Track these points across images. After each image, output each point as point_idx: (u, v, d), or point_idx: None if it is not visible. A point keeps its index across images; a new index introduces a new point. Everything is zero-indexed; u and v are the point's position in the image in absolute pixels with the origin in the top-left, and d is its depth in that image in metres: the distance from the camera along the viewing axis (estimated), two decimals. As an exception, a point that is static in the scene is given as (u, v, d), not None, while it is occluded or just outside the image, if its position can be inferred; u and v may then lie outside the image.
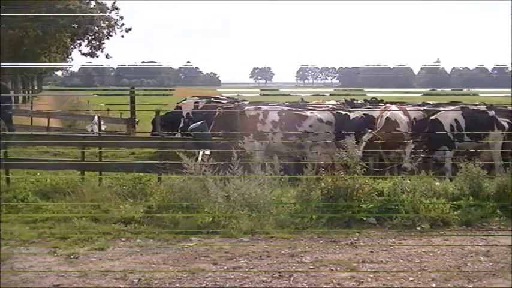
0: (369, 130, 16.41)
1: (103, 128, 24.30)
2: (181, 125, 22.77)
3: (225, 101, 23.25)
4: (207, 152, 14.04)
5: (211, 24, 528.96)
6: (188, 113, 22.87)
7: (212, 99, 24.41)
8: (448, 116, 16.93)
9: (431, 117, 17.16)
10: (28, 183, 13.94)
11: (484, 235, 10.45)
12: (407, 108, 18.59)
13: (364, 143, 15.64)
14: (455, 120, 16.76)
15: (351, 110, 18.86)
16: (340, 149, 12.66)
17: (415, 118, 17.78)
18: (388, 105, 19.66)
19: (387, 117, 17.14)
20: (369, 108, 20.30)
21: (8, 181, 14.16)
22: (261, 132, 17.20)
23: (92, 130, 25.32)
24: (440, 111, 17.74)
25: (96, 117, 26.77)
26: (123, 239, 10.03)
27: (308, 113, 17.58)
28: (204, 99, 23.96)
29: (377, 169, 15.27)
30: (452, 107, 17.87)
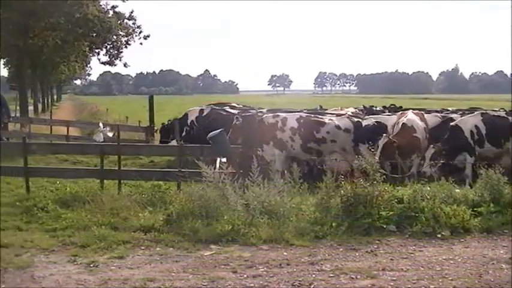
0: (384, 134, 16.38)
1: (110, 134, 24.38)
2: (183, 134, 22.84)
3: (233, 109, 23.30)
4: (224, 159, 14.04)
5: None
6: (192, 121, 22.92)
7: (227, 107, 24.46)
8: (468, 122, 16.88)
9: (452, 124, 17.13)
10: (48, 191, 13.99)
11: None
12: (425, 114, 18.56)
13: (379, 148, 15.61)
14: (476, 126, 16.70)
15: (363, 117, 18.81)
16: (357, 156, 12.66)
17: (426, 126, 17.71)
18: (404, 111, 19.64)
19: (403, 123, 17.10)
20: (384, 115, 20.28)
21: (28, 189, 14.22)
22: (280, 139, 17.20)
23: (100, 137, 25.41)
24: (457, 117, 17.76)
25: (101, 124, 26.85)
26: (142, 247, 10.03)
27: (326, 120, 17.55)
28: (209, 107, 24.06)
29: (396, 175, 15.21)
30: (472, 114, 17.82)
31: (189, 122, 23.08)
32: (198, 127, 22.15)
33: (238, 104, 27.18)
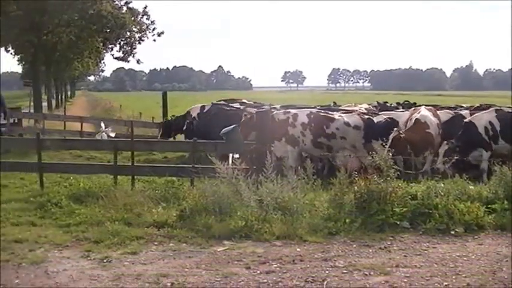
0: (395, 129, 16.34)
1: (112, 135, 24.51)
2: (184, 128, 23.08)
3: (236, 105, 23.59)
4: (236, 155, 14.04)
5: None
6: (194, 117, 23.14)
7: (236, 103, 24.71)
8: (483, 118, 16.81)
9: (466, 120, 17.09)
10: (62, 187, 14.04)
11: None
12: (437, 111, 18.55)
13: (388, 143, 15.56)
14: (490, 122, 16.63)
15: (375, 113, 18.78)
16: (369, 152, 12.64)
17: (439, 122, 17.69)
18: (417, 107, 19.61)
19: (417, 119, 17.07)
20: (398, 111, 20.28)
21: (42, 185, 14.28)
22: (292, 135, 17.14)
23: (101, 138, 25.52)
24: (467, 113, 17.81)
25: (102, 125, 27.00)
26: (155, 243, 10.05)
27: (336, 116, 17.48)
28: (210, 104, 24.37)
29: (409, 172, 15.17)
30: (486, 111, 17.76)
31: (191, 118, 23.28)
32: (198, 122, 22.42)
33: (249, 101, 27.37)
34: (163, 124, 25.98)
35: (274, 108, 20.56)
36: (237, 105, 24.23)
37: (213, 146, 14.82)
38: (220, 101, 26.74)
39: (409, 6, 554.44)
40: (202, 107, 23.70)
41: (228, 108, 22.60)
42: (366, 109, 20.95)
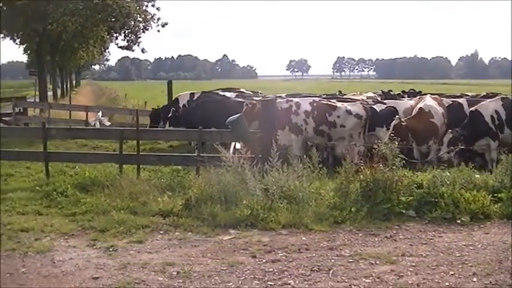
0: (397, 116, 16.33)
1: (107, 124, 24.51)
2: (169, 115, 22.91)
3: (228, 94, 23.57)
4: (238, 145, 14.02)
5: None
6: (184, 105, 23.04)
7: (233, 93, 24.70)
8: (489, 107, 16.75)
9: (472, 109, 17.05)
10: (67, 176, 14.04)
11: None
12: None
13: (389, 130, 15.55)
14: (496, 111, 16.57)
15: (376, 102, 18.81)
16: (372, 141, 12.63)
17: (444, 111, 17.66)
18: (423, 96, 19.61)
19: (420, 108, 17.03)
20: (401, 100, 20.31)
21: (47, 174, 14.30)
22: (296, 124, 17.11)
23: (95, 125, 25.53)
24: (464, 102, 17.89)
25: (100, 113, 26.98)
26: (161, 232, 10.04)
27: (338, 104, 17.46)
28: (198, 91, 24.32)
29: (415, 160, 15.15)
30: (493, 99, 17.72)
31: (180, 105, 23.17)
32: (185, 110, 22.28)
33: (247, 90, 27.34)
34: (151, 113, 25.54)
35: (280, 97, 20.51)
36: (230, 94, 24.04)
37: (219, 135, 14.80)
38: (218, 89, 26.64)
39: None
40: (192, 94, 23.60)
41: (218, 97, 22.42)
42: (368, 97, 20.96)
